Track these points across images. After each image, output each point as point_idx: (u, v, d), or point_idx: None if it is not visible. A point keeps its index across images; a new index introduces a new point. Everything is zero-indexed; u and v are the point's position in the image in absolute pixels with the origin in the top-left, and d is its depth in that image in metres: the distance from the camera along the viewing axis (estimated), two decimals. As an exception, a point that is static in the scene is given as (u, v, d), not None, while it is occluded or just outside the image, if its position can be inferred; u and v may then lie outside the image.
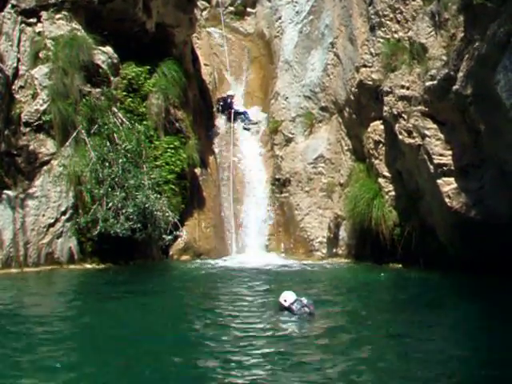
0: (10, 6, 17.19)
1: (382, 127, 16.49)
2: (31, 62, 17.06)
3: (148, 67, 18.79)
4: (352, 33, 17.67)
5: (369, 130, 16.83)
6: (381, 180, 16.40)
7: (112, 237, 15.90)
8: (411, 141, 14.84)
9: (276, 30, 22.57)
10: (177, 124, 19.19)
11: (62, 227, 16.25)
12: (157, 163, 17.99)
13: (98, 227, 15.87)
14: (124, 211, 16.06)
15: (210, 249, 19.05)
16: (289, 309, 9.95)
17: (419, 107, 14.52)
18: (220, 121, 22.00)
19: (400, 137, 15.21)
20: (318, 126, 19.55)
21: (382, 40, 16.32)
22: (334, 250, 18.15)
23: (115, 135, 17.00)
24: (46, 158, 16.50)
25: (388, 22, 16.18)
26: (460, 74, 12.98)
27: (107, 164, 16.49)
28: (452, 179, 13.91)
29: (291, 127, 20.31)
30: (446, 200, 13.93)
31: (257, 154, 21.39)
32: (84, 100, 16.98)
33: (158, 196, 16.91)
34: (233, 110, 21.62)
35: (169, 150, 18.52)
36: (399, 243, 15.66)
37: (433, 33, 14.52)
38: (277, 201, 20.13)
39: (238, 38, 24.96)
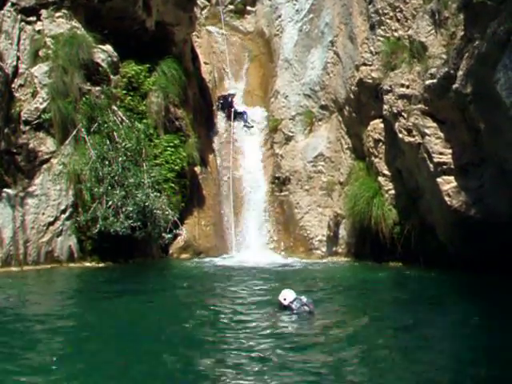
0: (9, 4, 17.21)
1: (381, 126, 16.49)
2: (31, 60, 17.07)
3: (148, 65, 18.80)
4: (352, 31, 17.66)
5: (369, 128, 16.82)
6: (381, 178, 16.40)
7: (112, 235, 15.91)
8: (411, 139, 14.83)
9: (276, 28, 22.57)
10: (177, 122, 19.20)
11: (62, 225, 16.26)
12: (156, 161, 18.00)
13: (98, 225, 15.88)
14: (124, 209, 16.07)
15: (210, 247, 19.06)
16: (288, 307, 9.94)
17: (419, 106, 14.51)
18: (220, 119, 21.98)
19: (400, 135, 15.21)
20: (318, 125, 19.55)
21: (381, 38, 16.31)
22: (334, 249, 18.16)
23: (115, 133, 17.00)
24: (46, 157, 16.51)
25: (388, 21, 16.18)
26: (460, 73, 12.97)
27: (107, 162, 16.49)
28: (452, 178, 13.91)
29: (291, 126, 20.31)
30: (446, 198, 13.93)
31: (257, 152, 21.37)
32: (84, 98, 16.99)
33: (158, 194, 16.92)
34: (233, 110, 21.60)
35: (169, 148, 18.53)
36: (399, 242, 15.66)
37: (433, 31, 14.51)
38: (276, 199, 20.12)
39: (238, 37, 24.95)
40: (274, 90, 21.29)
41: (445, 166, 13.94)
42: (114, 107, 17.54)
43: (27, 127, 16.49)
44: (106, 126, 16.95)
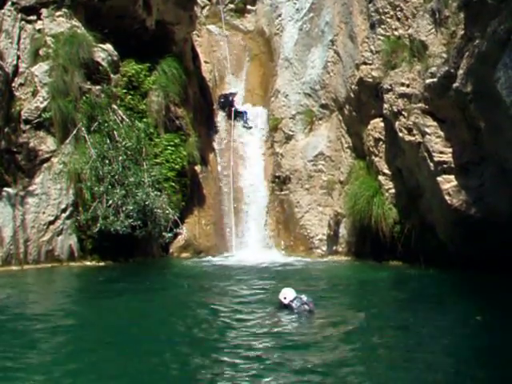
0: (10, 3, 17.23)
1: (382, 125, 16.48)
2: (31, 59, 17.08)
3: (148, 64, 18.81)
4: (352, 30, 17.65)
5: (369, 127, 16.82)
6: (381, 177, 16.40)
7: (112, 234, 15.93)
8: (411, 138, 14.83)
9: (276, 27, 22.56)
10: (177, 121, 19.21)
11: (62, 225, 16.27)
12: (157, 161, 18.01)
13: (98, 224, 15.89)
14: (124, 209, 16.09)
15: (210, 246, 19.08)
16: (288, 306, 9.94)
17: (419, 105, 14.51)
18: (220, 118, 21.97)
19: (400, 134, 15.20)
20: (318, 124, 19.55)
21: (382, 37, 16.30)
22: (334, 248, 18.16)
23: (115, 133, 17.02)
24: (46, 156, 16.52)
25: (388, 20, 16.16)
26: (460, 72, 12.97)
27: (107, 161, 16.51)
28: (452, 177, 13.91)
29: (291, 125, 20.30)
30: (446, 197, 13.93)
31: (257, 151, 21.37)
32: (84, 97, 17.00)
33: (158, 193, 16.93)
34: (233, 109, 21.60)
35: (169, 147, 18.54)
36: (399, 241, 15.66)
37: (433, 30, 14.50)
38: (277, 198, 20.12)
39: (238, 36, 24.93)
40: (275, 89, 21.29)
41: (445, 165, 13.94)
42: (115, 106, 17.55)
43: (27, 126, 16.50)
44: (106, 125, 16.96)
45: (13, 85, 16.70)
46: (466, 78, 12.79)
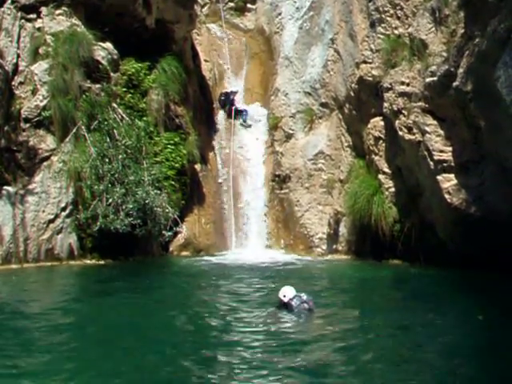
0: (9, 1, 17.21)
1: (382, 123, 16.48)
2: (31, 57, 17.07)
3: (148, 63, 18.79)
4: (352, 29, 17.64)
5: (369, 126, 16.82)
6: (381, 176, 16.40)
7: (112, 233, 15.92)
8: (411, 137, 14.83)
9: (276, 26, 22.56)
10: (177, 120, 19.19)
11: (62, 223, 16.27)
12: (157, 159, 18.00)
13: (98, 223, 15.89)
14: (124, 207, 16.08)
15: (210, 245, 19.08)
16: (288, 304, 9.94)
17: (419, 103, 14.51)
18: (220, 117, 21.97)
19: (400, 133, 15.21)
20: (318, 122, 19.54)
21: (382, 36, 16.29)
22: (334, 247, 18.16)
23: (115, 131, 17.00)
24: (46, 154, 16.51)
25: (388, 18, 16.16)
26: (460, 71, 12.97)
27: (107, 160, 16.49)
28: (452, 175, 13.91)
29: (291, 123, 20.30)
30: (446, 196, 13.94)
31: (257, 150, 21.36)
32: (84, 96, 16.98)
33: (158, 192, 16.92)
34: (234, 108, 21.59)
35: (169, 146, 18.53)
36: (399, 239, 15.66)
37: (433, 29, 14.50)
38: (277, 197, 20.12)
39: (238, 34, 24.93)
40: (274, 88, 21.28)
41: (445, 164, 13.94)
42: (114, 105, 17.54)
43: (27, 125, 16.49)
44: (106, 123, 16.95)
45: (13, 83, 16.69)
46: (466, 76, 12.80)
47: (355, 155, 17.84)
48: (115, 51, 18.05)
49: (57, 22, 17.54)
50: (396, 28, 15.97)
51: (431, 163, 14.17)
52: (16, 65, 16.88)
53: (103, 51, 17.82)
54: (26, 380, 7.08)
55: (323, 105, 19.39)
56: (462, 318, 10.00)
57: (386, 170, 16.34)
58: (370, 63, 16.73)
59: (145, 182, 16.63)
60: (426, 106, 14.37)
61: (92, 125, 16.93)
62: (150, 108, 18.57)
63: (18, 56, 16.98)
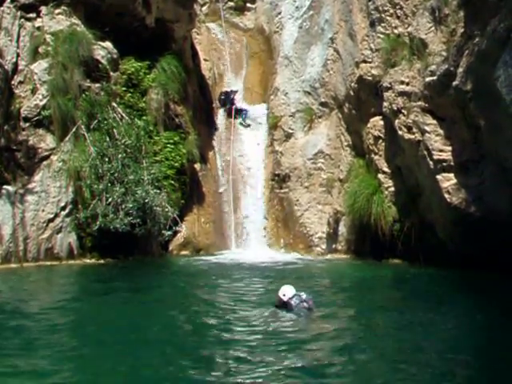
0: (9, 0, 17.20)
1: (381, 123, 16.49)
2: (31, 57, 17.06)
3: (148, 62, 18.79)
4: (352, 28, 17.64)
5: (368, 125, 16.82)
6: (380, 176, 16.40)
7: (111, 232, 15.92)
8: (411, 136, 14.83)
9: (276, 25, 22.55)
10: (176, 119, 19.19)
11: (62, 222, 16.26)
12: (156, 158, 18.00)
13: (98, 222, 15.89)
14: (123, 206, 16.08)
15: (210, 244, 19.08)
16: (287, 303, 9.94)
17: (419, 103, 14.51)
18: (220, 116, 21.96)
19: (400, 132, 15.21)
20: (318, 122, 19.55)
21: (381, 35, 16.30)
22: (334, 246, 18.16)
23: (115, 130, 17.00)
24: (46, 153, 16.51)
25: (388, 18, 16.16)
26: (460, 70, 12.97)
27: (107, 159, 16.49)
28: (452, 175, 13.91)
29: (291, 123, 20.30)
30: (446, 196, 13.93)
31: (257, 149, 21.36)
32: (83, 95, 16.98)
33: (158, 191, 16.92)
34: (234, 107, 21.59)
35: (168, 145, 18.53)
36: (399, 239, 15.67)
37: (433, 28, 14.50)
38: (276, 196, 20.12)
39: (238, 34, 24.94)
40: (274, 87, 21.28)
41: (445, 164, 13.94)
42: (114, 104, 17.54)
43: (27, 124, 16.48)
44: (105, 122, 16.95)
45: (12, 82, 16.69)
46: (465, 76, 12.80)
47: (355, 154, 17.84)
48: (115, 50, 18.05)
49: (56, 21, 17.54)
50: (396, 27, 15.97)
51: (431, 163, 14.17)
52: (16, 64, 16.87)
53: (103, 50, 17.82)
54: (26, 380, 7.07)
55: (323, 104, 19.39)
56: (462, 318, 9.98)
57: (386, 169, 16.35)
58: (370, 62, 16.73)
59: (144, 182, 16.63)
60: (426, 105, 14.37)
61: (92, 124, 16.92)
62: (150, 107, 18.57)
63: (18, 55, 16.97)
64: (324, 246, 18.50)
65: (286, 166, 19.84)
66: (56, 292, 12.89)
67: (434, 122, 14.21)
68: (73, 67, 16.87)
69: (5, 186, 15.78)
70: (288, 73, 20.93)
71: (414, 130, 14.69)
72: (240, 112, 21.74)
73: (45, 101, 16.60)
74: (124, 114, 17.50)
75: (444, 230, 14.64)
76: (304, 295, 10.01)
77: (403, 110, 15.15)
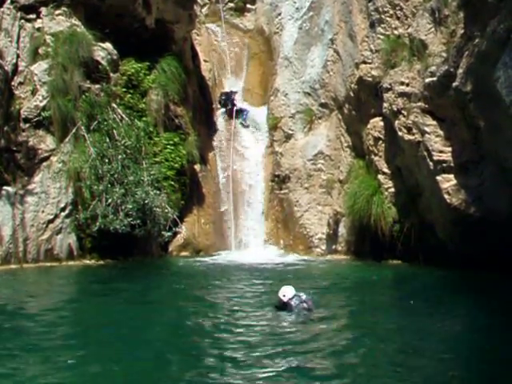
0: (9, 1, 17.21)
1: (381, 124, 16.49)
2: (31, 57, 17.07)
3: (147, 63, 18.79)
4: (352, 29, 17.64)
5: (368, 126, 16.82)
6: (380, 176, 16.40)
7: (111, 233, 15.92)
8: (411, 137, 14.84)
9: (276, 26, 22.55)
10: (176, 120, 19.19)
11: (62, 223, 16.26)
12: (156, 159, 17.99)
13: (98, 223, 15.89)
14: (123, 207, 16.08)
15: (210, 245, 19.07)
16: (287, 304, 9.95)
17: (419, 104, 14.52)
18: (220, 117, 21.96)
19: (400, 133, 15.21)
20: (318, 123, 19.54)
21: (381, 36, 16.30)
22: (334, 247, 18.16)
23: (115, 131, 17.00)
24: (46, 154, 16.51)
25: (388, 19, 16.17)
26: (460, 71, 12.98)
27: (107, 160, 16.50)
28: (451, 176, 13.92)
29: (291, 124, 20.29)
30: (446, 196, 13.94)
31: (257, 150, 21.35)
32: (83, 96, 16.98)
33: (158, 192, 16.92)
34: (235, 108, 21.59)
35: (168, 146, 18.53)
36: (398, 240, 15.67)
37: (433, 29, 14.51)
38: (276, 197, 20.11)
39: (238, 35, 24.92)
40: (274, 88, 21.28)
41: (444, 164, 13.95)
42: (114, 105, 17.54)
43: (27, 125, 16.49)
44: (105, 123, 16.95)
45: (12, 83, 16.69)
46: (465, 77, 12.81)
47: (355, 155, 17.84)
48: (115, 51, 18.05)
49: (56, 22, 17.54)
50: (396, 28, 15.98)
51: (431, 163, 14.18)
52: (16, 65, 16.87)
53: (103, 51, 17.82)
54: (25, 379, 7.08)
55: (323, 105, 19.39)
56: (462, 318, 9.99)
57: (386, 170, 16.35)
58: (370, 63, 16.73)
59: (144, 183, 16.63)
60: (426, 106, 14.37)
61: (91, 125, 16.92)
62: (150, 108, 18.56)
63: (18, 56, 16.98)
64: (324, 247, 18.49)
65: (286, 167, 19.83)
66: (55, 293, 12.88)
67: (434, 122, 14.22)
68: (73, 68, 16.87)
69: (5, 187, 15.78)
70: (288, 74, 20.93)
71: (414, 130, 14.70)
72: (241, 112, 21.75)
73: (45, 102, 16.60)
74: (124, 115, 17.50)
75: (444, 231, 14.65)
76: (304, 296, 10.03)
77: (403, 111, 15.16)
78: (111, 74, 17.88)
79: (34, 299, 12.12)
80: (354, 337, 8.98)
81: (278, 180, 20.08)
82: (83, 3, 17.85)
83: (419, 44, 14.79)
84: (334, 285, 13.44)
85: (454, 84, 13.15)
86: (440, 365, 7.64)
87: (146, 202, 16.40)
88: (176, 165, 18.44)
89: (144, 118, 18.26)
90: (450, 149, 13.93)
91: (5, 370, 7.31)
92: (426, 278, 13.82)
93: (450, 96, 13.46)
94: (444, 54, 13.76)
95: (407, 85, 15.07)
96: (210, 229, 19.45)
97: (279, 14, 22.43)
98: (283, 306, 10.05)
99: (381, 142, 16.49)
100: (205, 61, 22.99)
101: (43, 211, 16.09)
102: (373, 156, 16.66)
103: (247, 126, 21.70)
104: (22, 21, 17.32)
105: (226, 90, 22.39)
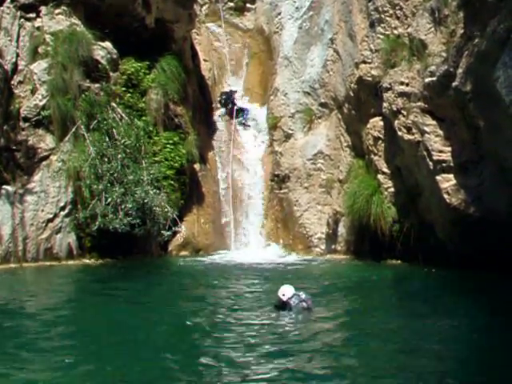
0: (9, 0, 17.18)
1: (381, 123, 16.48)
2: (30, 57, 17.06)
3: (147, 63, 18.77)
4: (352, 29, 17.64)
5: (368, 126, 16.81)
6: (380, 176, 16.40)
7: (111, 232, 15.92)
8: (410, 137, 14.84)
9: (275, 25, 22.53)
10: (176, 120, 19.18)
11: (61, 222, 16.26)
12: (156, 159, 17.99)
13: (97, 223, 15.88)
14: (123, 207, 16.08)
15: (209, 244, 19.07)
16: (287, 303, 9.96)
17: (418, 103, 14.51)
18: (219, 116, 21.94)
19: (399, 133, 15.21)
20: (318, 122, 19.53)
21: (381, 36, 16.29)
22: (333, 246, 18.16)
23: (114, 131, 17.00)
24: (45, 154, 16.51)
25: (388, 18, 16.16)
26: (459, 71, 12.98)
27: (106, 159, 16.49)
28: (451, 176, 13.92)
29: (290, 123, 20.28)
30: (445, 196, 13.94)
31: (256, 149, 21.35)
32: (83, 95, 16.98)
33: (157, 191, 16.91)
34: (235, 107, 21.59)
35: (168, 145, 18.52)
36: (398, 239, 15.66)
37: (432, 29, 14.50)
38: (276, 197, 20.11)
39: (238, 34, 24.91)
40: (274, 88, 21.26)
41: (444, 164, 13.95)
42: (114, 104, 17.53)
43: (26, 124, 16.49)
44: (105, 123, 16.95)
45: (12, 82, 16.69)
46: (465, 76, 12.80)
47: (354, 155, 17.83)
48: (114, 51, 18.04)
49: (56, 21, 17.54)
50: (395, 28, 15.96)
51: (430, 163, 14.18)
52: (15, 64, 16.87)
53: (102, 51, 17.81)
54: (24, 379, 7.08)
55: (322, 105, 19.39)
56: (461, 318, 9.98)
57: (385, 170, 16.35)
58: (370, 63, 16.73)
59: (144, 182, 16.62)
60: (426, 106, 14.37)
61: (91, 124, 16.92)
62: (150, 107, 18.56)
63: (18, 55, 16.97)
64: (323, 247, 18.49)
65: (286, 167, 19.82)
66: (55, 292, 12.89)
67: (434, 122, 14.21)
68: (72, 67, 16.87)
69: (4, 186, 15.79)
70: (288, 73, 20.92)
71: (414, 130, 14.70)
72: (242, 112, 21.74)
73: (44, 101, 16.60)
74: (123, 115, 17.49)
75: (443, 231, 14.65)
76: (303, 295, 10.04)
77: (403, 111, 15.15)
78: (111, 74, 17.88)
79: (34, 298, 12.13)
80: (353, 336, 9.00)
81: (278, 179, 20.07)
82: (83, 2, 17.85)
83: (419, 44, 14.79)
84: (334, 284, 13.45)
85: (454, 84, 13.15)
86: (439, 365, 7.64)
87: (146, 201, 16.39)
88: (176, 164, 18.43)
89: (144, 118, 18.25)
90: (449, 149, 13.93)
91: (4, 370, 7.31)
92: (425, 278, 13.83)
93: (449, 96, 13.46)
94: (444, 54, 13.76)
95: (407, 84, 15.06)
96: (210, 228, 19.45)
97: (279, 14, 22.42)
98: (283, 306, 10.06)
99: (380, 141, 16.49)
100: (204, 60, 22.99)
101: (43, 210, 16.09)
102: (372, 156, 16.66)
103: (248, 126, 21.69)
104: (22, 20, 17.31)
105: (226, 89, 22.38)
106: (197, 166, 19.92)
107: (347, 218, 17.38)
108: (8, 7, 17.13)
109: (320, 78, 19.47)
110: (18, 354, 7.93)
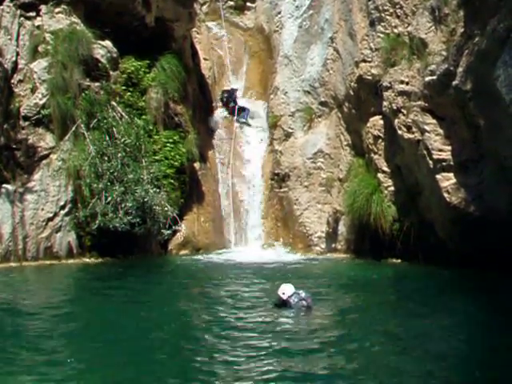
0: (8, -1, 17.17)
1: (381, 122, 16.48)
2: (30, 55, 17.06)
3: (147, 61, 18.77)
4: (352, 27, 17.63)
5: (368, 125, 16.81)
6: (380, 175, 16.40)
7: (111, 231, 15.92)
8: (410, 136, 14.83)
9: (276, 24, 22.52)
10: (176, 118, 19.18)
11: (61, 221, 16.27)
12: (156, 157, 17.99)
13: (97, 221, 15.89)
14: (123, 205, 16.09)
15: (209, 243, 19.07)
16: (287, 302, 9.96)
17: (419, 102, 14.51)
18: (220, 115, 21.95)
19: (399, 132, 15.21)
20: (318, 121, 19.53)
21: (381, 35, 16.28)
22: (333, 245, 18.16)
23: (114, 129, 17.00)
24: (45, 152, 16.51)
25: (388, 17, 16.15)
26: (460, 69, 12.97)
27: (106, 158, 16.50)
28: (451, 174, 13.92)
29: (290, 122, 20.28)
30: (445, 195, 13.94)
31: (257, 148, 21.34)
32: (83, 94, 16.98)
33: (157, 190, 16.92)
34: (237, 106, 21.57)
35: (168, 144, 18.52)
36: (398, 238, 15.66)
37: (433, 28, 14.50)
38: (276, 196, 20.11)
39: (238, 33, 24.89)
40: (274, 87, 21.26)
41: (444, 163, 13.95)
42: (114, 103, 17.53)
43: (26, 123, 16.49)
44: (105, 121, 16.95)
45: (12, 81, 16.69)
46: (465, 75, 12.80)
47: (354, 154, 17.83)
48: (114, 49, 18.04)
49: (56, 20, 17.53)
50: (395, 27, 15.96)
51: (430, 162, 14.18)
52: (15, 63, 16.87)
53: (102, 49, 17.81)
54: (24, 378, 7.08)
55: (322, 103, 19.38)
56: (460, 317, 9.99)
57: (385, 168, 16.35)
58: (370, 62, 16.72)
59: (144, 181, 16.63)
60: (426, 104, 14.37)
61: (91, 123, 16.92)
62: (150, 106, 18.56)
63: (18, 54, 16.97)
64: (323, 246, 18.49)
65: (286, 166, 19.82)
66: (55, 291, 12.89)
67: (434, 121, 14.21)
68: (72, 66, 16.87)
69: (4, 185, 15.79)
70: (288, 72, 20.91)
71: (414, 129, 14.70)
72: (243, 111, 21.74)
73: (44, 100, 16.60)
74: (123, 113, 17.49)
75: (443, 230, 14.65)
76: (303, 293, 10.05)
77: (403, 110, 15.15)
78: (111, 72, 17.88)
79: (34, 297, 12.13)
80: (353, 335, 8.99)
81: (278, 178, 20.08)
82: (83, 1, 17.85)
83: (419, 42, 14.78)
84: (334, 283, 13.45)
85: (454, 83, 13.15)
86: (439, 364, 7.63)
87: (146, 200, 16.40)
88: (176, 163, 18.43)
89: (144, 116, 18.25)
90: (449, 147, 13.93)
91: (4, 370, 7.31)
92: (425, 276, 13.82)
93: (449, 95, 13.46)
94: (444, 53, 13.75)
95: (407, 83, 15.06)
96: (210, 227, 19.45)
97: (279, 13, 22.40)
98: (283, 304, 10.06)
99: (380, 140, 16.49)
100: (205, 59, 22.98)
101: (43, 209, 16.10)
102: (372, 154, 16.65)
103: (248, 125, 21.69)
104: (22, 18, 17.30)
105: (227, 88, 22.37)
106: (197, 165, 19.93)
107: (347, 217, 17.39)
108: (8, 6, 17.12)
109: (320, 77, 19.46)
110: (18, 353, 7.93)
